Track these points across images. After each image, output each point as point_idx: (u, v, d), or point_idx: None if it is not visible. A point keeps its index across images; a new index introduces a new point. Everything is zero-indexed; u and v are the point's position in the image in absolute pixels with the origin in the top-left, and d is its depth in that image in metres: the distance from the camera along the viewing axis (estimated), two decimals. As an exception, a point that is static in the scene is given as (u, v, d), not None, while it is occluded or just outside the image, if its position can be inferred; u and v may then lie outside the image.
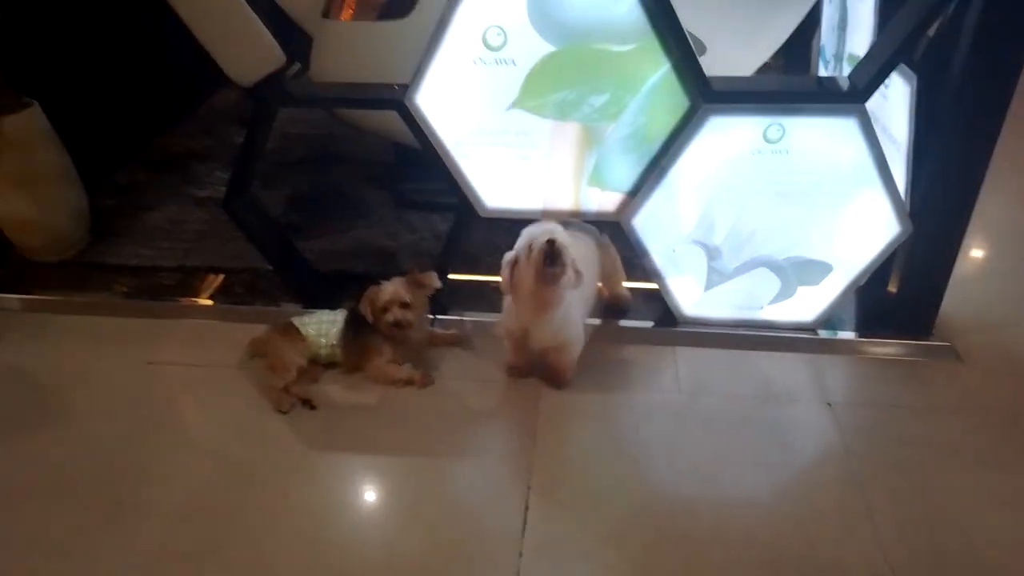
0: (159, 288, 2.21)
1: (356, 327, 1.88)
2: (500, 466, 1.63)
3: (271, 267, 2.16)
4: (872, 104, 1.70)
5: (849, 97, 1.66)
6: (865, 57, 1.73)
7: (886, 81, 1.94)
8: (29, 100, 2.18)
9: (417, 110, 1.78)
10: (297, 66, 2.52)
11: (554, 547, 1.45)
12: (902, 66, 1.82)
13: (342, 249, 2.39)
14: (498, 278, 1.68)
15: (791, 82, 1.87)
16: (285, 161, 2.98)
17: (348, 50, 2.29)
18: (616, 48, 1.67)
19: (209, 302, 2.15)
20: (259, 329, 1.95)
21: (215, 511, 1.54)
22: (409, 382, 1.85)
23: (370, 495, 1.58)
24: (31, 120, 2.16)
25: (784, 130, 1.71)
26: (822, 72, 2.55)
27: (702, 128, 1.72)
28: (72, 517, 1.53)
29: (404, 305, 1.82)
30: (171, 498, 1.56)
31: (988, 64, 1.60)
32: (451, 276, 2.18)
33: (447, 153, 1.83)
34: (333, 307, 1.96)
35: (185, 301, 2.15)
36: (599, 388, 1.84)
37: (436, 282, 1.88)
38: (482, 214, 1.92)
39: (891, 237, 1.81)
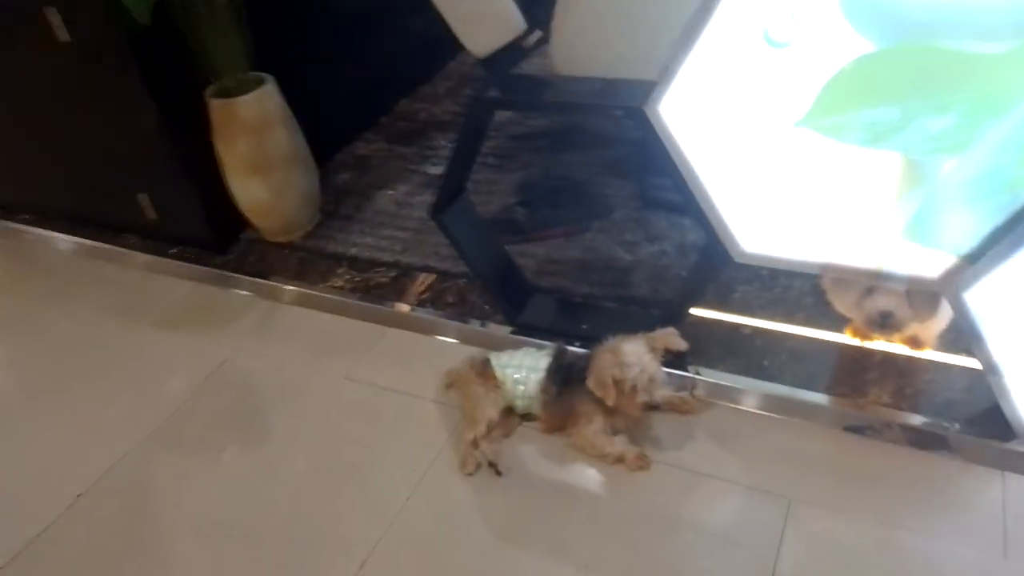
0: (372, 286, 2.07)
1: (562, 380, 1.55)
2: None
3: (479, 284, 1.90)
4: None
5: None
6: None
7: None
8: (263, 76, 2.09)
9: (659, 121, 1.34)
10: (537, 34, 2.17)
11: None
12: None
13: (567, 260, 2.05)
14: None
15: None
16: (524, 134, 2.68)
17: (596, 19, 1.88)
18: (978, 48, 1.08)
19: (414, 310, 1.95)
20: (462, 351, 1.74)
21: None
22: (619, 460, 1.50)
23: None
24: (265, 100, 2.07)
25: None
26: None
27: (1115, 175, 1.07)
28: (246, 567, 1.43)
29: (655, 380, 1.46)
30: (339, 570, 1.39)
31: None
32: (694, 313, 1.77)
33: (695, 178, 1.38)
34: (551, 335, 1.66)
35: (393, 307, 1.97)
36: (874, 517, 1.33)
37: (681, 344, 1.50)
38: (737, 259, 1.44)
39: None
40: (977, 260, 1.23)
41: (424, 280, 2.05)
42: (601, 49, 1.84)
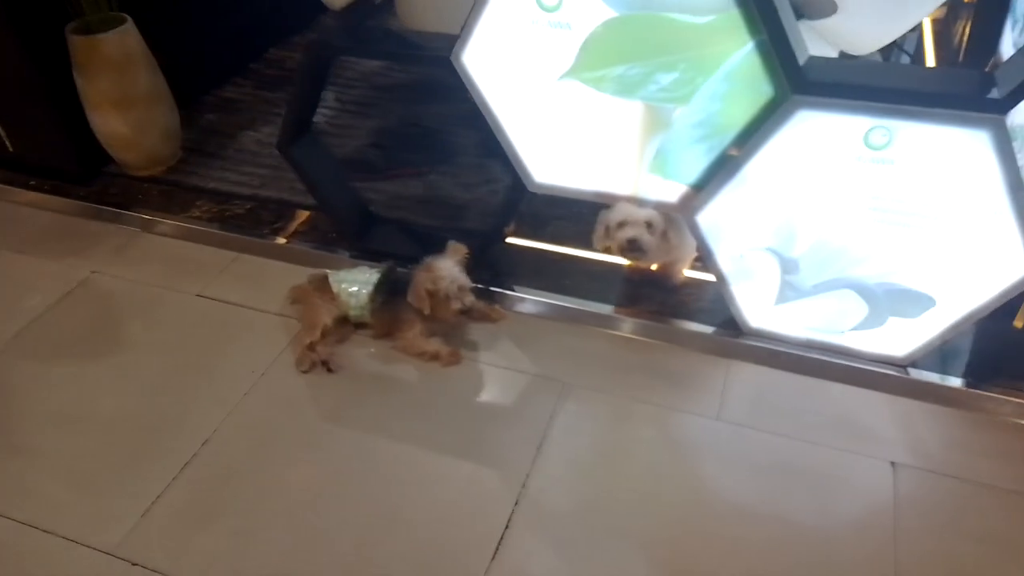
0: (228, 216, 2.25)
1: (387, 292, 1.81)
2: (492, 473, 1.53)
3: (323, 212, 2.12)
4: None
5: (985, 104, 1.30)
6: (1017, 53, 1.33)
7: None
8: (122, 16, 2.21)
9: (464, 70, 1.61)
10: (387, -8, 2.39)
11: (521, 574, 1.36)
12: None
13: (411, 195, 2.30)
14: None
15: (911, 75, 1.49)
16: (387, 85, 2.89)
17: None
18: (691, 19, 1.39)
19: (265, 238, 2.15)
20: (307, 272, 1.95)
21: (219, 469, 1.56)
22: (435, 357, 1.77)
23: (359, 481, 1.54)
24: (126, 38, 2.19)
25: (891, 135, 1.38)
26: (1009, 37, 2.07)
27: (788, 123, 1.42)
28: (99, 450, 1.62)
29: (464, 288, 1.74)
30: (183, 447, 1.60)
31: None
32: (510, 241, 2.06)
33: (495, 120, 1.66)
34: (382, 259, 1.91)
35: (246, 235, 2.17)
36: (629, 395, 1.67)
37: (462, 250, 1.80)
38: (530, 189, 1.74)
39: (1018, 278, 1.45)
40: (702, 188, 1.57)
41: (277, 211, 2.25)
42: (435, 7, 2.08)
